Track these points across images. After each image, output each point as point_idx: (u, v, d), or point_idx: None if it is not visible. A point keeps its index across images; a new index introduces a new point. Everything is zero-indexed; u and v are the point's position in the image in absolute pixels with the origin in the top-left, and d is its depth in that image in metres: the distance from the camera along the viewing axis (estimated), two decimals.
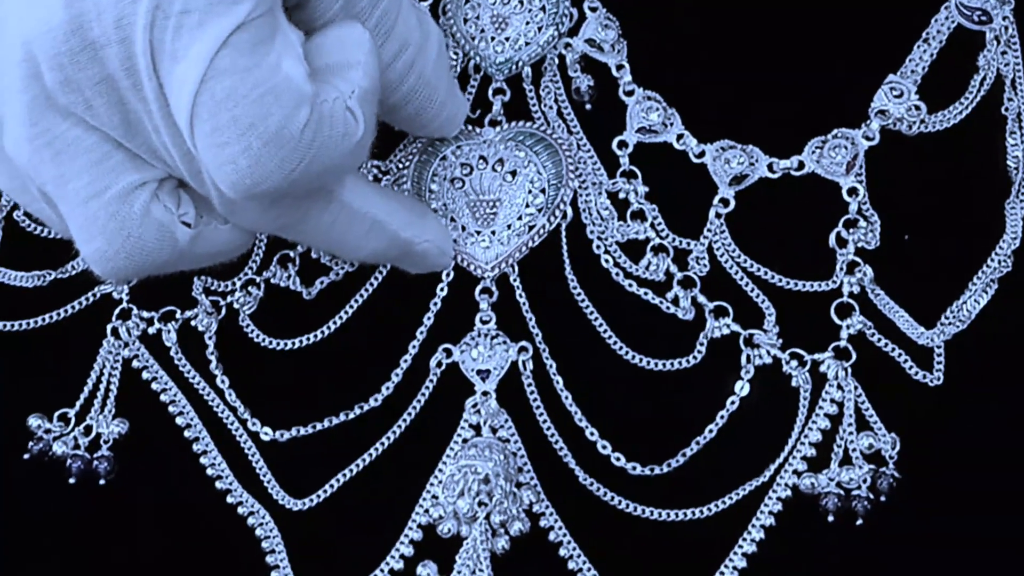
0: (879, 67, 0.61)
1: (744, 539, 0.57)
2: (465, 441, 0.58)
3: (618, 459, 0.58)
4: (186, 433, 0.59)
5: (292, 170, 0.49)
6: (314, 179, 0.50)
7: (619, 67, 0.62)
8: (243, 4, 0.48)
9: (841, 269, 0.59)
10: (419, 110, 0.56)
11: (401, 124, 0.58)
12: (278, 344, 0.60)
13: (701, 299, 0.59)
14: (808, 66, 0.61)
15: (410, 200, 0.59)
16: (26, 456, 0.59)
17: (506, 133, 0.61)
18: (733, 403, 0.58)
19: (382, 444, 0.58)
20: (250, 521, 0.58)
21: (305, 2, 0.53)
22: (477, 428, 0.58)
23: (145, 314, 0.60)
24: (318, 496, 0.58)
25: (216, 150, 0.49)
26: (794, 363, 0.58)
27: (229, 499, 0.58)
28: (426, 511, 0.57)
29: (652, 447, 0.58)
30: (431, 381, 0.59)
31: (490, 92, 0.62)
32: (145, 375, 0.60)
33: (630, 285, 0.59)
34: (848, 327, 0.58)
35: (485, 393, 0.58)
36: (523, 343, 0.59)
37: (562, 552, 0.57)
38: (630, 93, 0.61)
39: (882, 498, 0.57)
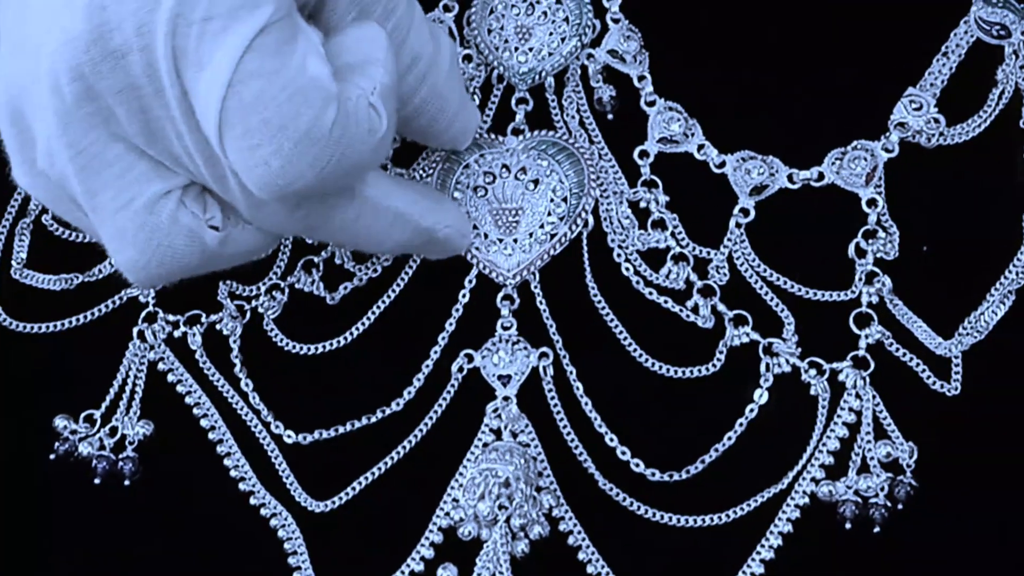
0: (899, 80, 0.62)
1: (762, 545, 0.57)
2: (486, 445, 0.58)
3: (637, 465, 0.58)
4: (210, 435, 0.60)
5: (323, 168, 0.50)
6: (343, 176, 0.51)
7: (641, 78, 0.62)
8: (264, 7, 0.49)
9: (860, 279, 0.60)
10: (431, 122, 0.57)
11: (413, 135, 0.59)
12: (302, 348, 0.60)
13: (721, 308, 0.60)
14: (828, 78, 0.62)
15: (426, 187, 0.60)
16: (52, 456, 0.59)
17: (529, 142, 0.62)
18: (752, 411, 0.58)
19: (404, 447, 0.59)
20: (273, 522, 0.58)
21: (318, 12, 0.53)
22: (498, 432, 0.58)
23: (171, 317, 0.61)
24: (340, 498, 0.58)
25: (247, 153, 0.49)
26: (813, 372, 0.59)
27: (252, 500, 0.59)
28: (447, 514, 0.58)
29: (671, 453, 0.58)
30: (452, 386, 0.59)
31: (513, 102, 0.62)
32: (170, 378, 0.60)
33: (650, 293, 0.60)
34: (867, 337, 0.59)
35: (506, 398, 0.59)
36: (544, 349, 0.59)
37: (581, 556, 0.57)
38: (651, 103, 0.62)
39: (899, 506, 0.57)
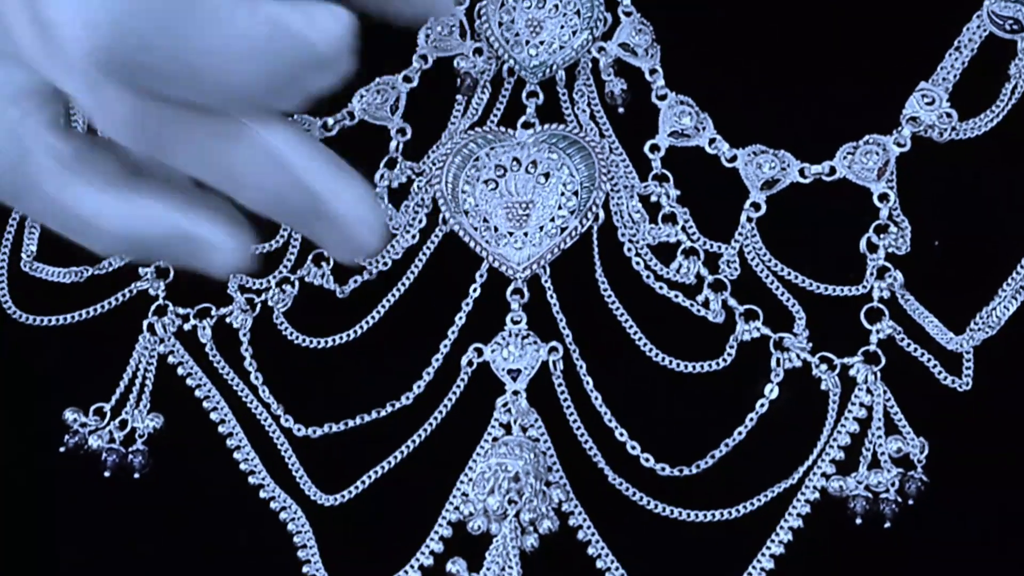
0: (911, 74, 0.61)
1: (772, 541, 0.57)
2: (495, 439, 0.58)
3: (647, 460, 0.58)
4: (220, 428, 0.60)
5: (136, 16, 0.43)
6: (166, 42, 0.44)
7: (652, 71, 0.62)
8: None
9: (871, 274, 0.59)
10: None
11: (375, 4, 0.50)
12: (311, 342, 0.60)
13: (731, 302, 0.59)
14: (840, 72, 0.62)
15: (335, 156, 0.49)
16: (62, 449, 0.59)
17: (539, 135, 0.61)
18: (762, 406, 0.58)
19: (413, 441, 0.59)
20: (282, 516, 0.58)
21: None
22: (507, 427, 0.58)
23: (181, 311, 0.61)
24: (349, 492, 0.58)
25: None
26: (823, 367, 0.59)
27: (262, 494, 0.59)
28: (456, 508, 0.57)
29: (681, 448, 0.58)
30: (462, 380, 0.59)
31: (524, 95, 0.62)
32: (180, 371, 0.60)
33: (661, 287, 0.60)
34: (878, 332, 0.59)
35: (515, 392, 0.59)
36: (554, 343, 0.59)
37: (590, 551, 0.57)
38: (663, 97, 0.62)
39: (910, 502, 0.57)
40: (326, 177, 0.47)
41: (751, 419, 0.58)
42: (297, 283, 0.61)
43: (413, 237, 0.61)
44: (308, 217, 0.47)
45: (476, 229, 0.61)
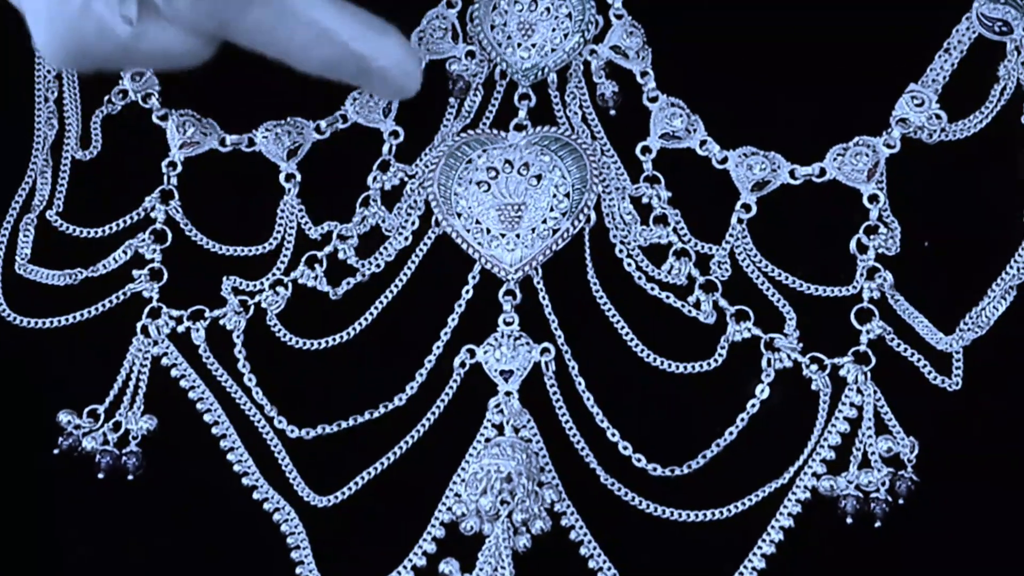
0: (901, 76, 0.62)
1: (763, 540, 0.57)
2: (488, 440, 0.58)
3: (639, 460, 0.58)
4: (213, 430, 0.60)
5: None
6: None
7: (643, 74, 0.62)
8: None
9: (861, 275, 0.60)
10: None
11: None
12: (305, 343, 0.60)
13: (722, 303, 0.60)
14: (830, 74, 0.62)
15: (371, 16, 0.55)
16: (56, 451, 0.60)
17: (531, 138, 0.62)
18: (753, 406, 0.59)
19: (406, 442, 0.59)
20: (275, 517, 0.58)
21: None
22: (500, 428, 0.58)
23: (175, 313, 0.61)
24: (343, 493, 0.58)
25: None
26: (814, 367, 0.59)
27: (255, 495, 0.59)
28: (449, 509, 0.58)
29: (673, 448, 0.58)
30: (455, 381, 0.59)
31: (516, 98, 0.63)
32: (174, 373, 0.60)
33: (652, 289, 0.60)
34: (868, 332, 0.59)
35: (508, 393, 0.59)
36: (546, 344, 0.59)
37: (583, 551, 0.57)
38: (654, 99, 0.62)
39: (900, 501, 0.57)
40: (364, 37, 0.54)
41: (742, 419, 0.58)
42: (290, 285, 0.61)
43: (406, 239, 0.61)
44: (357, 74, 0.54)
45: (468, 231, 0.61)
